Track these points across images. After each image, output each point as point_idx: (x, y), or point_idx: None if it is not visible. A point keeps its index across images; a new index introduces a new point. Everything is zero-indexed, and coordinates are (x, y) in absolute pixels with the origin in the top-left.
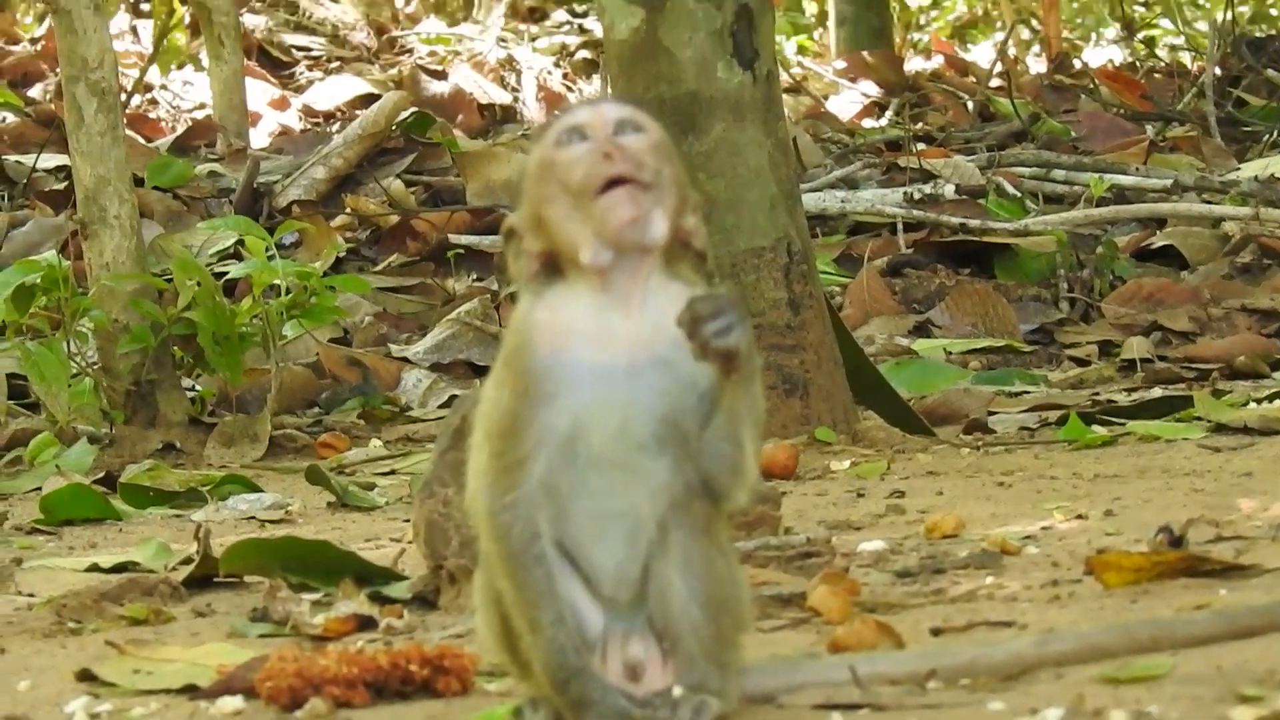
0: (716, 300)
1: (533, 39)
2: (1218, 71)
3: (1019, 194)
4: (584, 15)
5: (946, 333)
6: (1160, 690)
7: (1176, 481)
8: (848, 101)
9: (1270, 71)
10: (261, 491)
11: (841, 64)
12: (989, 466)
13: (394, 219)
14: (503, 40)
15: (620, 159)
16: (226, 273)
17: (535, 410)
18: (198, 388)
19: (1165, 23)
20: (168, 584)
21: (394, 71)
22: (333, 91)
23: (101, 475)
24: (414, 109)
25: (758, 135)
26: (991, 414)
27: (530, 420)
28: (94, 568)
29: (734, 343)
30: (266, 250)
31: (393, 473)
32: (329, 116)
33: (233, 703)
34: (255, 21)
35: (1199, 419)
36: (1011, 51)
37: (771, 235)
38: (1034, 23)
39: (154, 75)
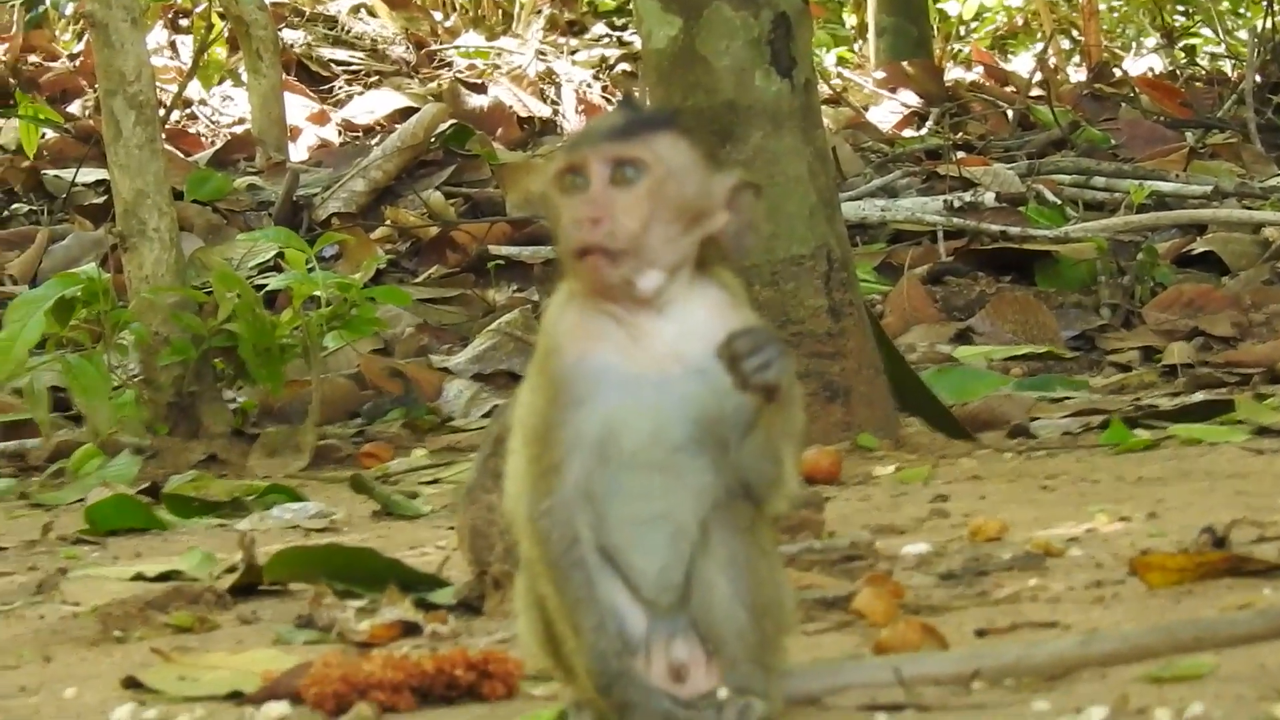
0: (755, 335)
1: (572, 52)
2: (1258, 78)
3: (1059, 202)
4: (623, 28)
5: (987, 340)
6: (1203, 689)
7: (1219, 484)
8: (887, 112)
9: None
10: (305, 501)
11: (881, 74)
12: (1032, 471)
13: (434, 231)
14: (542, 54)
15: (601, 226)
16: (266, 285)
17: (566, 414)
18: (239, 399)
19: (1205, 31)
20: (213, 592)
21: (433, 85)
22: (371, 105)
23: (146, 486)
24: (453, 121)
25: (796, 144)
26: (1034, 419)
27: (562, 424)
28: (139, 577)
29: (774, 377)
30: (306, 262)
31: (436, 481)
32: (368, 130)
33: (278, 708)
34: (294, 36)
35: (1241, 422)
36: (1051, 61)
37: (811, 243)
38: (1074, 32)
39: (192, 90)
